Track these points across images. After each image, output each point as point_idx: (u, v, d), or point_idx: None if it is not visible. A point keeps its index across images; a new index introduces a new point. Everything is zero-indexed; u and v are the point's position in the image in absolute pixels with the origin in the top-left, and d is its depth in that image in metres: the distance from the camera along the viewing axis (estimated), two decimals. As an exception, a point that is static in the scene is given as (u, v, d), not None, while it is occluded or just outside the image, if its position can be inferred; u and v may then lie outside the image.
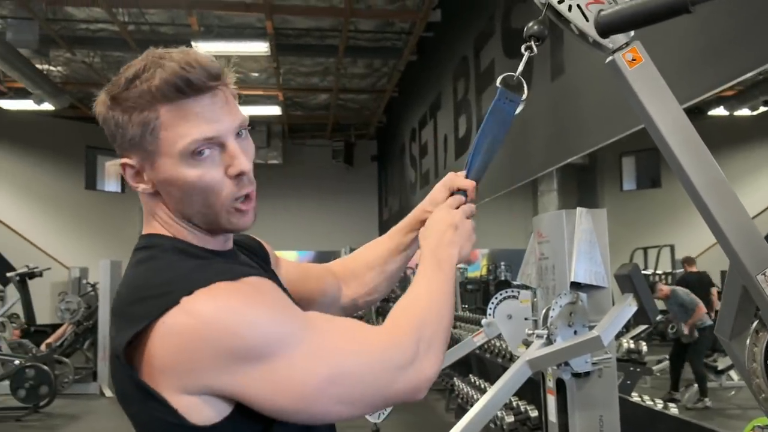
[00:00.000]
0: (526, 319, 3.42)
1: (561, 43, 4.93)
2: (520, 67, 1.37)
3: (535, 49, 1.37)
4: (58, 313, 8.55)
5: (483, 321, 3.46)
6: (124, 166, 1.00)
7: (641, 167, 18.06)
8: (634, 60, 1.34)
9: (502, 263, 21.26)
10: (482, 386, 5.75)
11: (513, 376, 2.52)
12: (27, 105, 12.84)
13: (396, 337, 0.96)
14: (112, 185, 17.94)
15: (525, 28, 1.39)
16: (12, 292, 9.67)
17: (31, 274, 9.10)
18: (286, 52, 11.36)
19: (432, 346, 0.97)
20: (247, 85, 13.65)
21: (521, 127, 6.03)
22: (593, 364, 2.75)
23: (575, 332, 2.71)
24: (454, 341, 6.75)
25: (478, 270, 21.72)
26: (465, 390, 5.86)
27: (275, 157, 17.65)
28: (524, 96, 1.36)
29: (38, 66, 11.20)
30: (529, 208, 20.23)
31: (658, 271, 12.05)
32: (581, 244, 2.87)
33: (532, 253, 3.31)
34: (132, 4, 9.39)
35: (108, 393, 8.16)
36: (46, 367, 7.03)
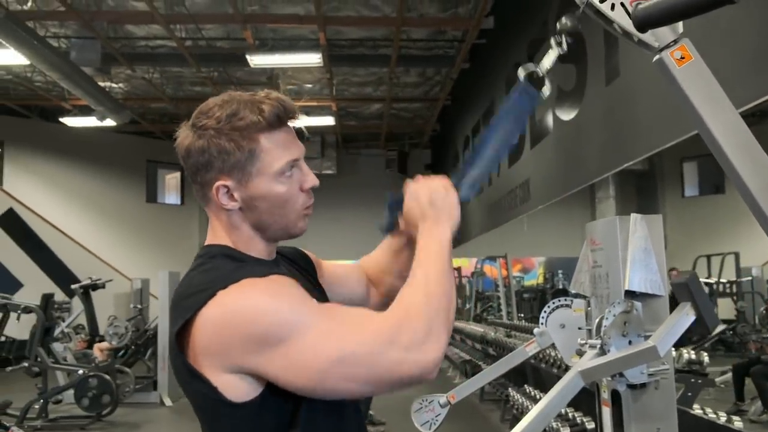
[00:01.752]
0: (579, 328, 3.32)
1: (616, 46, 4.83)
2: (547, 64, 1.35)
3: (565, 45, 1.33)
4: (107, 337, 8.71)
5: (535, 330, 3.38)
6: (219, 187, 1.14)
7: (704, 172, 17.53)
8: (682, 58, 1.28)
9: (560, 271, 20.94)
10: (538, 397, 5.64)
11: (565, 387, 2.45)
12: (90, 122, 13.29)
13: (404, 320, 1.04)
14: (171, 198, 18.39)
15: (557, 23, 1.36)
16: (77, 304, 10.00)
17: (95, 286, 9.37)
18: (339, 63, 11.46)
19: (439, 328, 1.04)
20: (301, 96, 13.81)
21: (575, 133, 5.93)
22: (650, 375, 2.67)
23: (630, 342, 2.63)
24: (508, 351, 6.66)
25: (535, 278, 21.44)
26: (520, 401, 5.76)
27: (329, 167, 17.78)
28: (545, 92, 1.32)
29: (100, 83, 11.58)
30: (587, 216, 19.97)
31: (722, 280, 11.64)
32: (636, 252, 2.79)
33: (585, 260, 3.23)
34: (189, 20, 9.63)
35: (168, 402, 8.31)
36: (108, 377, 7.20)
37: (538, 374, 6.14)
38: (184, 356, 1.05)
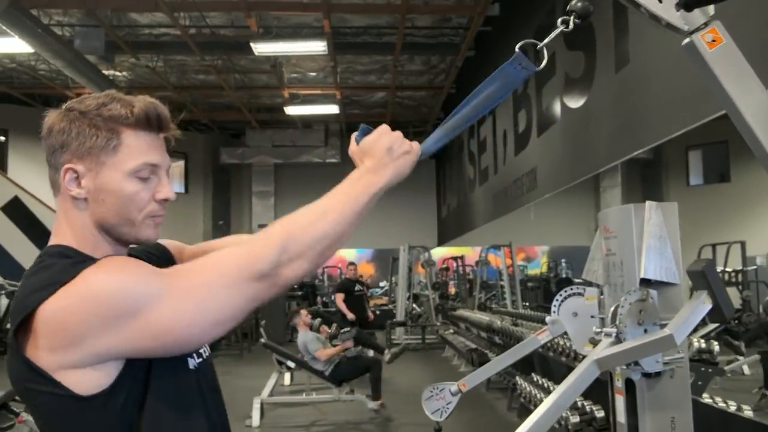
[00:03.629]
0: (592, 317, 3.29)
1: (626, 33, 4.78)
2: (548, 39, 1.30)
3: (571, 25, 1.29)
4: None
5: (547, 319, 3.35)
6: (67, 170, 1.11)
7: (709, 161, 17.47)
8: (714, 41, 1.25)
9: (563, 260, 20.94)
10: (545, 385, 5.63)
11: (580, 376, 2.42)
12: (94, 109, 13.26)
13: (256, 250, 1.03)
14: (175, 186, 18.29)
15: (570, 4, 1.32)
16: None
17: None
18: (343, 51, 11.41)
19: (299, 255, 1.02)
20: (305, 84, 13.76)
21: (584, 121, 5.89)
22: (665, 363, 2.65)
23: (645, 331, 2.60)
24: (516, 340, 6.65)
25: (539, 267, 21.43)
26: (528, 389, 5.75)
27: (333, 156, 17.77)
28: (540, 67, 1.28)
29: (104, 71, 11.55)
30: (591, 205, 19.92)
31: (727, 269, 11.62)
32: (651, 239, 2.76)
33: (598, 248, 3.20)
34: (193, 7, 9.58)
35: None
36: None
37: (546, 363, 6.13)
38: (26, 356, 1.01)
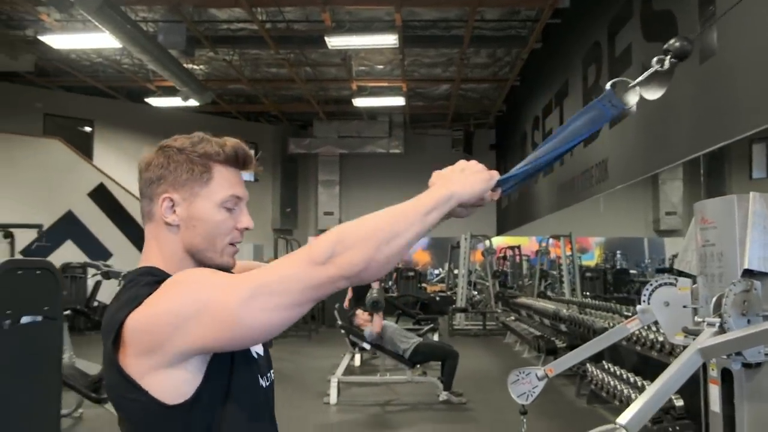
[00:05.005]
0: (684, 306, 3.23)
1: (712, 24, 4.63)
2: (640, 78, 1.25)
3: (666, 65, 1.25)
4: None
5: (638, 308, 3.30)
6: (164, 199, 1.20)
7: (773, 154, 16.93)
8: None
9: (618, 252, 20.53)
10: (618, 373, 5.54)
11: (684, 365, 2.38)
12: (173, 102, 13.59)
13: (314, 244, 1.05)
14: (245, 175, 18.64)
15: (667, 43, 1.26)
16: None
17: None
18: (411, 44, 11.36)
19: (352, 246, 1.02)
20: (373, 77, 13.78)
21: (659, 113, 5.74)
22: (766, 354, 2.58)
23: (748, 321, 2.55)
24: (585, 328, 6.56)
25: (592, 259, 21.08)
26: (600, 376, 5.67)
27: (397, 147, 17.79)
28: (630, 107, 1.24)
29: (184, 65, 11.79)
30: (648, 198, 19.42)
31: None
32: (755, 230, 2.69)
33: (693, 239, 3.12)
34: (270, 3, 9.70)
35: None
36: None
37: (616, 351, 6.03)
38: (118, 363, 1.07)
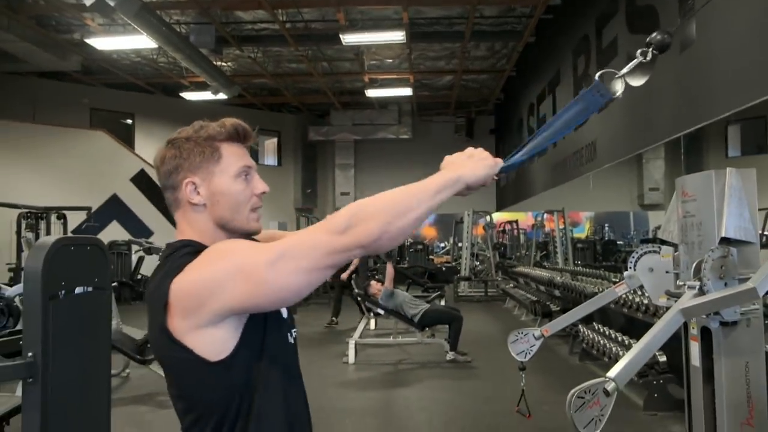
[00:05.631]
0: (667, 272, 3.21)
1: (691, 16, 4.54)
2: (626, 69, 1.24)
3: (649, 56, 1.24)
4: None
5: (625, 273, 3.28)
6: (188, 183, 1.19)
7: (747, 134, 16.72)
8: None
9: (606, 225, 20.43)
10: (607, 333, 5.54)
11: (667, 324, 2.37)
12: (204, 96, 13.58)
13: (332, 217, 1.05)
14: (270, 160, 18.71)
15: (650, 36, 1.23)
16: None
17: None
18: (417, 40, 11.26)
19: (367, 219, 1.02)
20: (383, 70, 13.68)
21: (644, 97, 5.66)
22: (742, 313, 2.56)
23: (725, 284, 2.53)
24: (577, 293, 6.54)
25: (583, 231, 20.99)
26: (591, 336, 5.67)
27: (405, 133, 17.70)
28: (617, 95, 1.23)
29: (214, 62, 11.75)
30: (633, 175, 19.23)
31: (765, 233, 11.07)
32: (731, 202, 2.65)
33: (674, 211, 3.09)
34: (290, 4, 9.61)
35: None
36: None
37: (605, 313, 6.02)
38: (166, 326, 1.08)
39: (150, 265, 11.02)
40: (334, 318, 9.32)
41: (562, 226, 12.91)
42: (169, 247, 1.18)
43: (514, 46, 11.82)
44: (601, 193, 17.73)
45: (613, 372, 2.34)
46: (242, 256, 1.06)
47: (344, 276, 9.24)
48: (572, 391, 2.21)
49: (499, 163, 1.15)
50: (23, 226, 10.98)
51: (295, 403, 1.21)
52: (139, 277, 12.23)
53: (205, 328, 1.06)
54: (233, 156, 1.21)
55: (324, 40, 11.19)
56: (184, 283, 1.06)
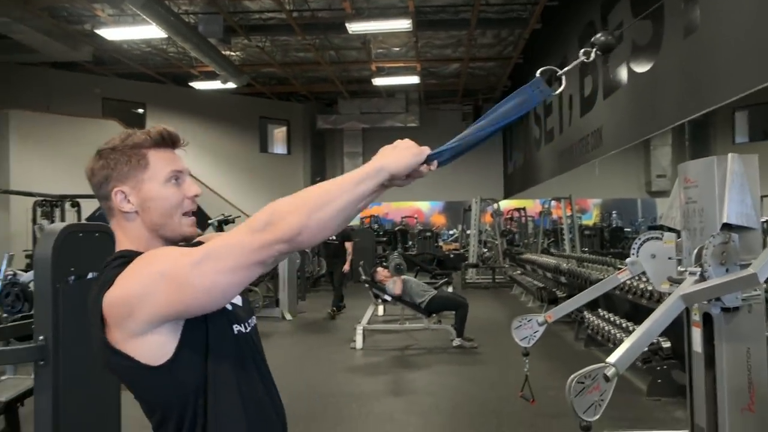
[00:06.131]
0: (669, 258, 3.19)
1: (695, 1, 4.48)
2: (567, 68, 1.22)
3: (592, 57, 1.23)
4: None
5: (627, 260, 3.26)
6: (116, 192, 1.19)
7: (754, 121, 16.53)
8: None
9: (614, 212, 20.30)
10: (612, 319, 5.52)
11: (667, 310, 2.36)
12: (214, 85, 13.58)
13: (252, 217, 1.05)
14: (279, 148, 18.71)
15: (594, 37, 1.23)
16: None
17: (226, 221, 9.62)
18: (424, 28, 11.18)
19: (286, 214, 1.01)
20: (390, 58, 13.60)
21: (649, 84, 5.60)
22: (743, 299, 2.54)
23: (727, 270, 2.51)
24: (583, 279, 6.51)
25: (590, 218, 20.88)
26: (596, 322, 5.66)
27: (413, 121, 17.64)
28: (556, 92, 1.21)
29: (223, 52, 11.73)
30: (641, 162, 19.07)
31: (768, 218, 10.97)
32: (732, 188, 2.63)
33: (677, 197, 3.07)
34: (296, -7, 9.55)
35: (288, 317, 8.64)
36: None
37: (610, 300, 6.00)
38: (106, 338, 1.08)
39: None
40: (334, 308, 9.10)
41: (569, 213, 12.85)
42: (105, 260, 1.18)
43: (520, 34, 11.71)
44: (609, 180, 17.64)
45: (613, 357, 2.33)
46: (167, 261, 1.06)
47: (346, 268, 9.24)
48: (572, 377, 2.21)
49: (425, 151, 1.13)
50: (38, 213, 11.09)
51: (252, 393, 1.20)
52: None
53: (142, 335, 1.06)
54: (161, 162, 1.21)
55: (330, 29, 11.12)
56: (114, 296, 1.06)
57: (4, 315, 5.32)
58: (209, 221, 9.86)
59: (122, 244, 1.21)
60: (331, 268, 9.63)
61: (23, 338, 3.47)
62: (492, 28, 11.77)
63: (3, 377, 3.95)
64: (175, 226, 1.21)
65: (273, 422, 1.23)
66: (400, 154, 1.10)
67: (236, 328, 1.21)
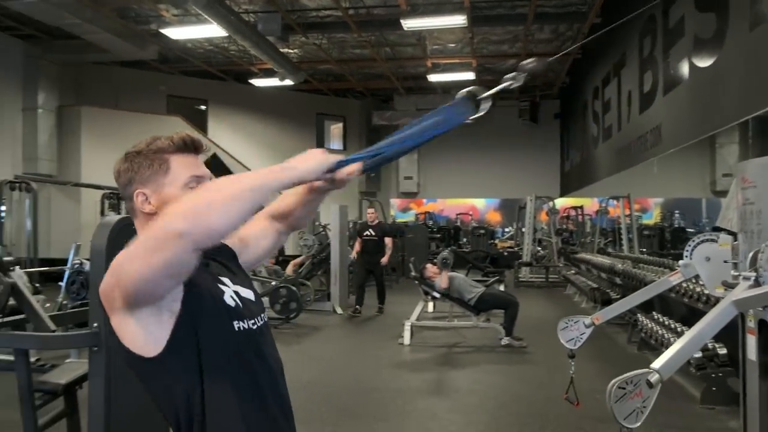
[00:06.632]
0: (725, 261, 3.03)
1: (763, -8, 4.24)
2: (491, 91, 1.20)
3: (519, 83, 1.22)
4: (298, 248, 9.12)
5: (680, 262, 3.12)
6: (138, 194, 1.23)
7: (828, 117, 15.50)
8: None
9: (676, 212, 19.51)
10: (666, 323, 5.31)
11: (718, 316, 2.25)
12: (272, 82, 13.82)
13: (165, 214, 1.05)
14: (336, 144, 18.89)
15: (521, 63, 1.21)
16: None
17: (280, 215, 9.77)
18: (480, 24, 11.02)
19: (180, 214, 1.02)
20: (445, 54, 13.50)
21: (712, 79, 5.35)
22: (802, 307, 2.39)
23: (785, 276, 2.37)
24: (637, 281, 6.29)
25: (651, 218, 20.13)
26: (649, 325, 5.46)
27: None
28: (477, 115, 1.20)
29: (281, 50, 11.92)
30: (706, 161, 18.24)
31: None
32: (794, 190, 2.48)
33: (734, 198, 2.92)
34: (352, -9, 9.59)
35: (339, 310, 8.71)
36: (294, 288, 7.62)
37: (666, 303, 5.78)
38: (111, 326, 1.14)
39: (220, 244, 11.38)
40: (381, 305, 8.88)
41: (627, 213, 12.45)
42: None
43: (579, 28, 11.40)
44: (671, 178, 16.97)
45: (657, 363, 2.24)
46: (126, 251, 1.08)
47: (384, 260, 8.91)
48: (613, 381, 2.13)
49: (332, 159, 1.16)
50: (106, 206, 11.59)
51: (253, 390, 1.20)
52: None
53: (125, 322, 1.11)
54: (182, 167, 1.24)
55: (386, 26, 11.12)
56: (102, 283, 1.11)
57: (68, 302, 5.58)
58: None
59: None
60: (369, 266, 8.95)
61: (82, 325, 3.63)
62: (550, 23, 11.51)
63: (67, 360, 4.14)
64: None
65: (278, 420, 1.23)
66: (308, 157, 1.16)
67: (238, 324, 1.21)
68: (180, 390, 1.14)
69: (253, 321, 1.25)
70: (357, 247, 9.10)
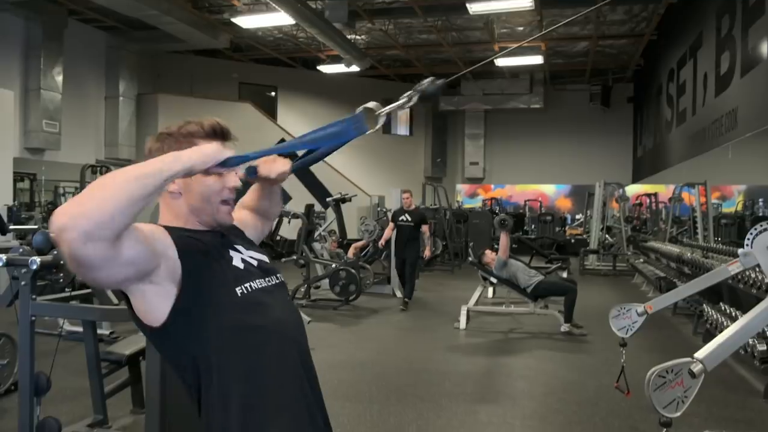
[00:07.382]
0: (788, 251, 2.84)
1: None
2: (387, 108, 1.17)
3: (414, 101, 1.20)
4: (359, 233, 9.20)
5: (740, 251, 2.95)
6: None
7: None
8: None
9: (761, 200, 18.34)
10: (733, 314, 5.05)
11: (767, 308, 2.12)
12: (339, 68, 13.95)
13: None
14: (402, 130, 18.89)
15: (419, 83, 1.19)
16: (330, 213, 10.75)
17: (344, 200, 9.91)
18: (548, 5, 10.70)
19: (80, 204, 0.97)
20: (514, 38, 13.20)
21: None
22: None
23: None
24: (705, 270, 6.00)
25: (733, 206, 19.01)
26: (715, 316, 5.20)
27: (537, 102, 17.05)
28: (370, 131, 1.16)
29: (348, 36, 12.00)
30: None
31: None
32: None
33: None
34: (417, -25, 9.52)
35: (398, 294, 8.76)
36: (354, 271, 7.72)
37: (735, 294, 5.49)
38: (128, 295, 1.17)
39: (286, 228, 11.65)
40: (406, 299, 7.99)
41: (703, 200, 11.83)
42: None
43: (654, 8, 10.86)
44: (754, 165, 15.98)
45: (701, 353, 2.15)
46: None
47: (426, 253, 8.52)
48: (652, 369, 2.06)
49: (225, 153, 1.17)
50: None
51: (264, 351, 1.22)
52: (279, 238, 12.99)
53: (134, 297, 1.15)
54: None
55: (452, 10, 10.99)
56: None
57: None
58: (327, 199, 10.20)
59: (164, 218, 1.32)
60: (402, 255, 8.12)
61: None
62: (623, 3, 11.02)
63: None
64: (211, 211, 1.30)
65: (298, 377, 1.26)
66: (199, 150, 1.16)
67: (240, 290, 1.24)
68: (188, 355, 1.19)
69: (268, 279, 1.33)
70: (387, 233, 8.47)
